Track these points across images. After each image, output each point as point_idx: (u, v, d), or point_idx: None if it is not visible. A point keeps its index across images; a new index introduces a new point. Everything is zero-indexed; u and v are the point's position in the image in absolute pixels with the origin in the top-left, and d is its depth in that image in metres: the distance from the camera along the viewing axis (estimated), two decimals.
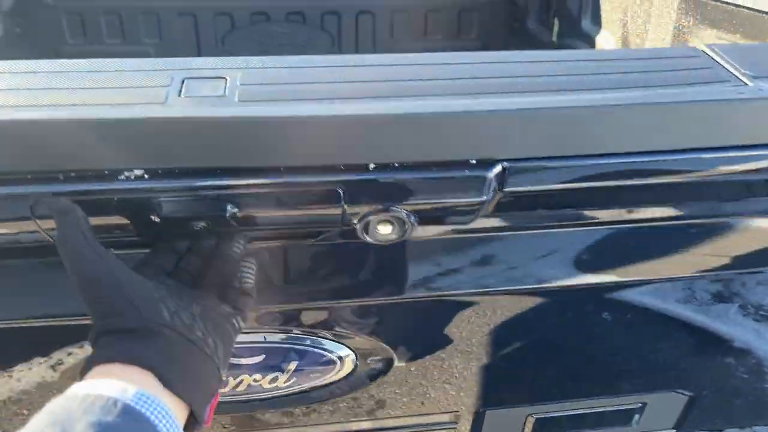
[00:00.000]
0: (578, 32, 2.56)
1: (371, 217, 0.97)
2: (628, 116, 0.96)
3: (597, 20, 2.41)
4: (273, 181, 0.92)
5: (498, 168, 0.95)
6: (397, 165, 0.94)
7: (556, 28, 2.81)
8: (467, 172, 0.96)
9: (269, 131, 0.90)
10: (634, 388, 1.41)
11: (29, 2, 2.99)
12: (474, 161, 0.95)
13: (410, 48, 3.37)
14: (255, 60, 1.06)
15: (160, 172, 0.90)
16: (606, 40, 2.33)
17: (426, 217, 1.00)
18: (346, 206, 0.95)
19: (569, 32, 2.67)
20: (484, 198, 0.97)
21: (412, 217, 0.98)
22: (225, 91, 0.95)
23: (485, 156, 0.96)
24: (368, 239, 0.99)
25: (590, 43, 2.45)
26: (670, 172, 1.03)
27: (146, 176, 0.90)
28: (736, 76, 1.06)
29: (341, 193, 0.94)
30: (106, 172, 0.89)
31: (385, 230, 0.99)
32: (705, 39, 1.78)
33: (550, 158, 0.98)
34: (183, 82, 0.96)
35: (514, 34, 3.26)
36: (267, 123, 0.90)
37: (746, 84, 1.04)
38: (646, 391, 1.41)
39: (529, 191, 1.01)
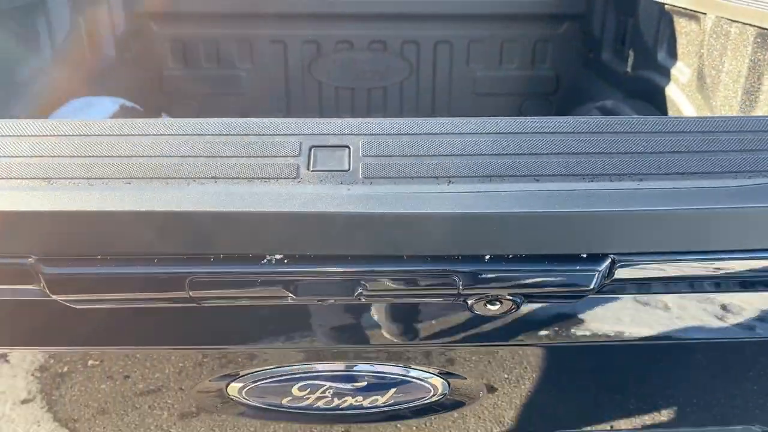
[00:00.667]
0: (653, 64, 2.64)
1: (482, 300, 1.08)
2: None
3: (672, 52, 2.49)
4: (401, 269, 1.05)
5: (607, 261, 1.04)
6: (510, 257, 1.03)
7: (630, 60, 2.89)
8: (578, 267, 1.04)
9: (394, 226, 1.01)
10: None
11: (138, 30, 3.30)
12: (584, 255, 1.03)
13: (486, 76, 3.51)
14: (374, 125, 1.17)
15: (296, 257, 1.03)
16: (681, 72, 2.40)
17: (535, 299, 1.10)
18: (461, 289, 1.06)
19: (644, 64, 2.75)
20: (593, 287, 1.06)
21: (520, 299, 1.08)
22: (350, 165, 1.07)
23: (596, 251, 1.04)
24: (477, 312, 1.10)
25: (666, 74, 2.52)
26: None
27: (285, 260, 1.04)
28: None
29: (457, 280, 1.05)
30: (250, 255, 1.03)
31: (494, 307, 1.10)
32: None
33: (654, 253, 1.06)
34: (311, 151, 1.10)
35: (587, 65, 3.35)
36: (391, 218, 1.00)
37: None
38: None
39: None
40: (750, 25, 1.95)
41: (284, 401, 1.25)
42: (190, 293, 1.06)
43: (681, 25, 2.42)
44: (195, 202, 1.02)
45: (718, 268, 1.13)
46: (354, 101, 3.55)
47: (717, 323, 1.20)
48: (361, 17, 3.38)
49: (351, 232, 1.02)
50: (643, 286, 1.14)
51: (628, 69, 2.90)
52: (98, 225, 1.02)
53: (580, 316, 1.18)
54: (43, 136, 1.15)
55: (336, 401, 1.24)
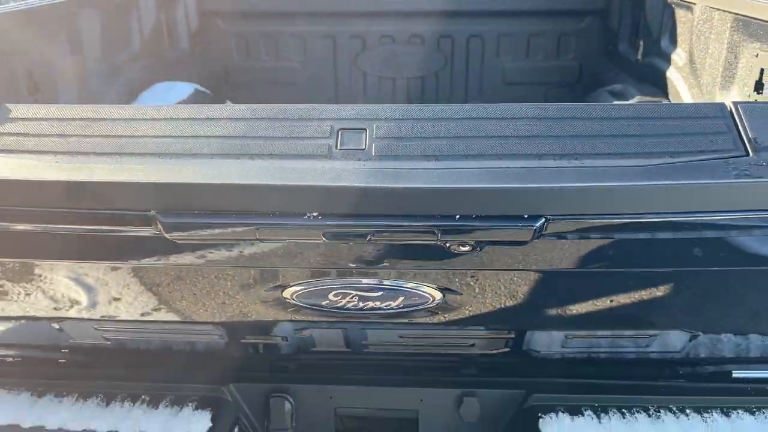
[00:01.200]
0: (658, 51, 2.96)
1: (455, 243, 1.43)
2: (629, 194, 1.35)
3: (673, 40, 2.81)
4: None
5: (542, 220, 1.35)
6: (474, 216, 1.36)
7: (641, 49, 3.22)
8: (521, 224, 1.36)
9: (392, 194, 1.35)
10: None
11: (208, 27, 3.79)
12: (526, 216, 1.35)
13: (514, 67, 3.88)
14: (387, 110, 1.47)
15: (327, 214, 1.36)
16: (679, 56, 2.73)
17: (494, 244, 1.44)
18: (439, 238, 1.39)
19: (651, 52, 3.07)
20: (531, 238, 1.38)
21: (480, 245, 1.42)
22: (366, 144, 1.40)
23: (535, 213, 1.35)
24: (453, 251, 1.44)
25: (667, 59, 2.84)
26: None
27: (319, 216, 1.37)
28: (743, 143, 1.36)
29: (436, 232, 1.38)
30: (297, 212, 1.37)
31: (463, 248, 1.42)
32: (751, 51, 2.16)
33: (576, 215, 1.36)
34: (339, 133, 1.43)
35: (607, 56, 3.68)
36: (389, 190, 1.34)
37: (747, 155, 1.34)
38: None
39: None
40: (728, 11, 2.28)
41: (323, 303, 1.62)
42: (257, 235, 1.45)
43: (679, 15, 2.75)
44: (260, 175, 1.39)
45: (620, 225, 1.42)
46: (395, 90, 3.96)
47: (618, 257, 1.51)
48: (402, 14, 3.79)
49: (364, 198, 1.38)
50: (568, 235, 1.45)
51: (639, 57, 3.22)
52: (195, 192, 1.41)
53: (526, 253, 1.50)
54: (152, 120, 1.53)
55: (361, 304, 1.60)
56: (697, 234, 1.40)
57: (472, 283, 1.56)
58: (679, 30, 2.75)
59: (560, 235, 1.41)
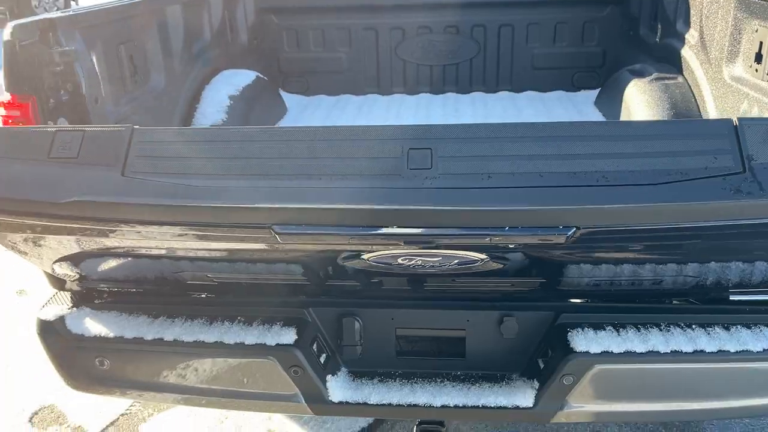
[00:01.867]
0: (674, 33, 3.28)
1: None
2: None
3: (686, 21, 3.12)
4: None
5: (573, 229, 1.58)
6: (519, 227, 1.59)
7: (659, 32, 3.53)
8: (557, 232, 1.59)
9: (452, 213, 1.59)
10: None
11: (263, 22, 4.20)
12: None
13: (542, 53, 4.21)
14: (448, 130, 1.60)
15: (402, 226, 1.58)
16: (692, 35, 3.04)
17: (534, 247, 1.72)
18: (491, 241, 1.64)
19: (667, 34, 3.38)
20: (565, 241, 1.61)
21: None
22: (431, 163, 1.56)
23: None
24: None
25: (681, 39, 3.16)
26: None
27: (396, 227, 1.58)
28: (741, 160, 1.51)
29: (488, 240, 1.63)
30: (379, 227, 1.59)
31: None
32: (752, 26, 2.47)
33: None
34: (408, 153, 1.59)
35: (628, 40, 3.99)
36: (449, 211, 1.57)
37: (742, 172, 1.50)
38: None
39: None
40: None
41: (393, 263, 1.90)
42: (350, 242, 1.71)
43: None
44: (342, 197, 1.60)
45: (632, 231, 1.65)
46: (432, 76, 4.32)
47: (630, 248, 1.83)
48: (438, 6, 4.15)
49: (433, 216, 1.62)
50: (592, 236, 1.70)
51: (657, 39, 3.53)
52: (301, 212, 1.64)
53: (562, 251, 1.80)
54: (253, 141, 1.70)
55: (423, 264, 1.89)
56: (697, 235, 1.70)
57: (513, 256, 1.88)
58: (691, 12, 3.06)
59: (587, 237, 1.70)
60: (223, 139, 1.69)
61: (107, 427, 3.01)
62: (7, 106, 1.91)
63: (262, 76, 3.69)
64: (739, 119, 1.59)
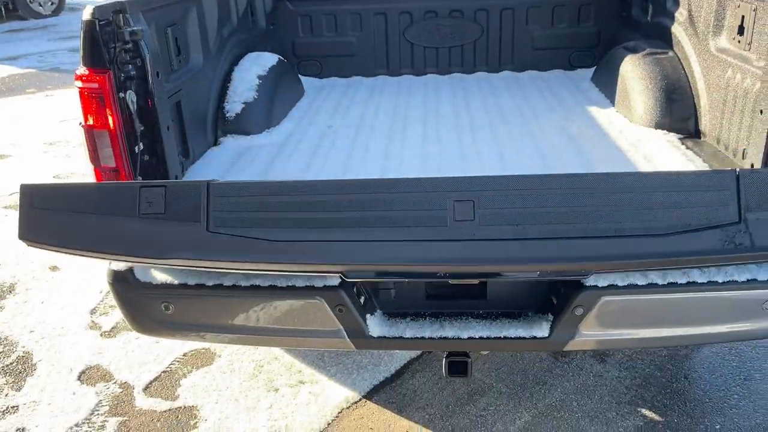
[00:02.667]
0: (665, 12, 3.56)
1: None
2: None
3: (676, 0, 3.41)
4: None
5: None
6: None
7: (651, 11, 3.81)
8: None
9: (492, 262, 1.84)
10: None
11: (279, 8, 4.45)
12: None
13: (541, 34, 4.49)
14: (488, 182, 1.79)
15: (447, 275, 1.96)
16: (681, 13, 3.33)
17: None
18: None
19: (659, 13, 3.67)
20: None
21: None
22: (474, 215, 1.79)
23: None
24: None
25: (671, 17, 3.44)
26: None
27: (445, 275, 1.95)
28: (738, 211, 1.68)
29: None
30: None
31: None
32: (735, 2, 2.75)
33: None
34: (453, 205, 1.82)
35: (622, 21, 4.28)
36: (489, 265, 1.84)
37: (737, 222, 1.69)
38: None
39: None
40: None
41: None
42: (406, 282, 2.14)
43: None
44: (401, 252, 1.81)
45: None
46: (438, 57, 4.59)
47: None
48: None
49: (474, 265, 1.89)
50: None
51: (649, 19, 3.82)
52: (362, 267, 1.91)
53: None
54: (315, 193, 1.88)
55: None
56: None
57: None
58: None
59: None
60: (289, 192, 1.87)
61: (151, 382, 3.27)
62: (85, 79, 2.17)
63: (283, 59, 3.95)
64: (740, 171, 1.75)
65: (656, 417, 2.89)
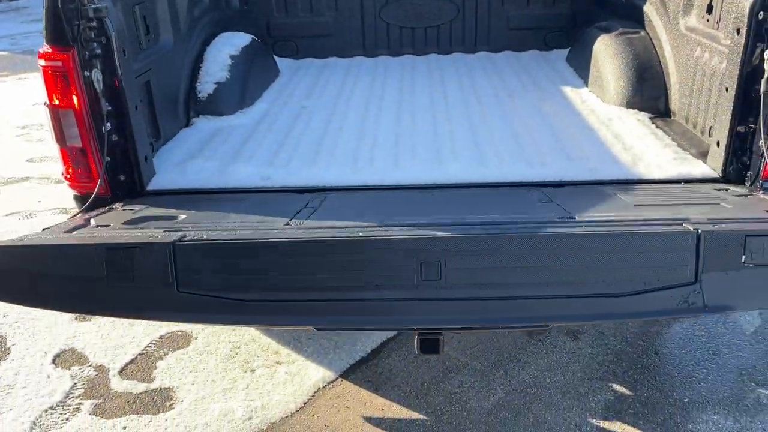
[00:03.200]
0: None
1: None
2: None
3: None
4: None
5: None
6: None
7: None
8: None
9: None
10: None
11: None
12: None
13: (517, 15, 4.49)
14: (456, 242, 1.77)
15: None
16: None
17: None
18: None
19: None
20: None
21: None
22: (440, 275, 1.75)
23: None
24: None
25: None
26: None
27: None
28: (696, 270, 1.66)
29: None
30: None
31: None
32: None
33: None
34: (420, 266, 1.77)
35: (596, 2, 4.29)
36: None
37: (694, 282, 1.68)
38: None
39: None
40: None
41: None
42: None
43: None
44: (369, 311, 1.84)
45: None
46: (414, 38, 4.58)
47: None
48: None
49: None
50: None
51: (623, 0, 3.83)
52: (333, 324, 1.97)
53: None
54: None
55: None
56: None
57: None
58: None
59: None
60: (251, 255, 1.83)
61: (127, 365, 3.26)
62: (48, 57, 2.14)
63: (256, 39, 3.92)
64: (702, 231, 1.73)
65: (627, 391, 2.94)
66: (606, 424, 2.77)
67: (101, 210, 2.27)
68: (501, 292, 1.82)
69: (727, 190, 2.37)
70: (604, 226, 1.83)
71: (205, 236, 1.80)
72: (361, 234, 1.83)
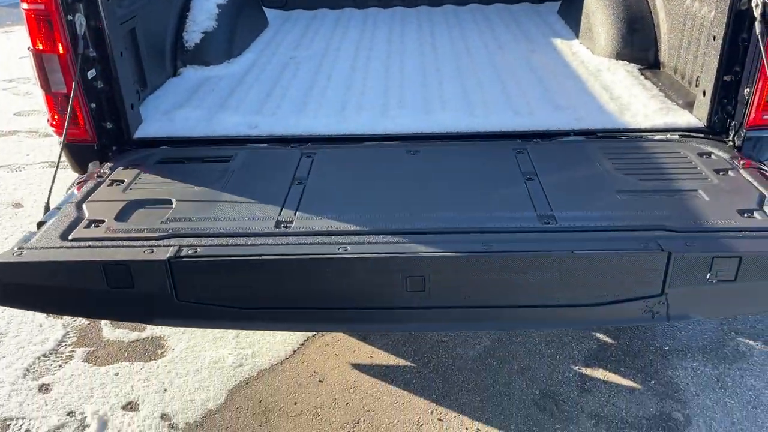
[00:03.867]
0: None
1: None
2: None
3: None
4: None
5: None
6: None
7: None
8: None
9: None
10: None
11: None
12: None
13: None
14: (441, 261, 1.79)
15: None
16: None
17: None
18: None
19: None
20: None
21: None
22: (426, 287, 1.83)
23: None
24: None
25: None
26: None
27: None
28: (663, 285, 1.77)
29: None
30: None
31: None
32: None
33: None
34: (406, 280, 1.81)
35: None
36: None
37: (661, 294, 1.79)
38: None
39: None
40: None
41: None
42: None
43: None
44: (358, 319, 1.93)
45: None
46: (392, 10, 4.52)
47: None
48: None
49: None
50: None
51: None
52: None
53: None
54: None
55: None
56: None
57: None
58: None
59: None
60: (244, 269, 1.88)
61: None
62: (31, 0, 2.11)
63: None
64: (674, 255, 1.78)
65: (609, 340, 3.01)
66: (588, 371, 2.84)
67: (90, 185, 2.25)
68: (481, 302, 1.91)
69: (709, 155, 2.37)
70: (582, 249, 1.86)
71: (199, 251, 1.87)
72: (349, 249, 1.87)
